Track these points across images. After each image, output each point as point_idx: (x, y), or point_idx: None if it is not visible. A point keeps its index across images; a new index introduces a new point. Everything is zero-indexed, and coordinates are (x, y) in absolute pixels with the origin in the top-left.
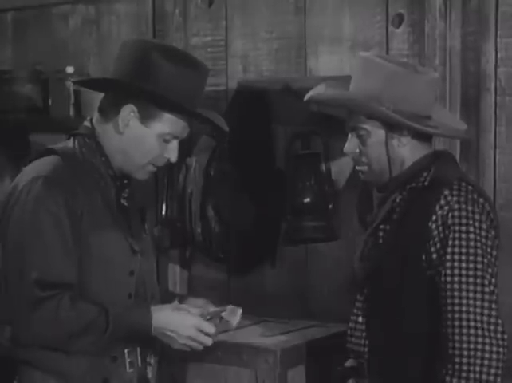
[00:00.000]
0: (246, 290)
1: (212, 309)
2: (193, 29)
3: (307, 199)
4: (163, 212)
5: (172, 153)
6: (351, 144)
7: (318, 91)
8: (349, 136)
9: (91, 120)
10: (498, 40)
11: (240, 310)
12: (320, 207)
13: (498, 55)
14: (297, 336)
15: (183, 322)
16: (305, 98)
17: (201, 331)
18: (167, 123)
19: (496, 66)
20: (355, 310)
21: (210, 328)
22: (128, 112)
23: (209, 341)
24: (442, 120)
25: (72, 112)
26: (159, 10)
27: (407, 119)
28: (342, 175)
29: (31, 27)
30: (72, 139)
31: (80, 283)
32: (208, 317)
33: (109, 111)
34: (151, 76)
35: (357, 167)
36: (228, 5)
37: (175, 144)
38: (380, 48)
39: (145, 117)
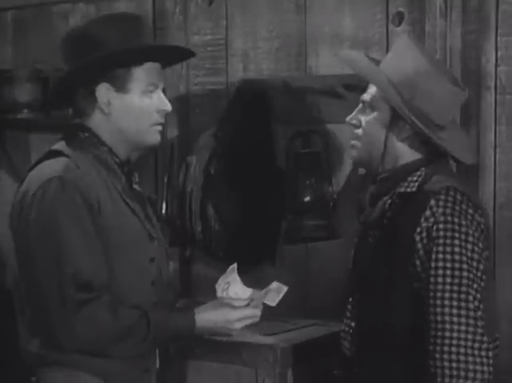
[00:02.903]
0: None
1: (256, 294)
2: (193, 28)
3: (307, 198)
4: (163, 210)
5: (163, 102)
6: (356, 115)
7: (352, 57)
8: (359, 106)
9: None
10: (499, 38)
11: (284, 289)
12: (321, 205)
13: (499, 53)
14: (297, 335)
15: (227, 319)
16: (337, 55)
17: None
18: (140, 76)
19: (496, 65)
20: (348, 314)
21: (256, 312)
22: (104, 90)
23: (258, 313)
24: (452, 138)
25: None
26: (159, 9)
27: (415, 116)
28: (342, 173)
29: (31, 26)
30: (69, 137)
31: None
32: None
33: (86, 104)
34: (95, 47)
35: (351, 142)
36: (228, 4)
37: (160, 94)
38: (380, 47)
39: (120, 86)
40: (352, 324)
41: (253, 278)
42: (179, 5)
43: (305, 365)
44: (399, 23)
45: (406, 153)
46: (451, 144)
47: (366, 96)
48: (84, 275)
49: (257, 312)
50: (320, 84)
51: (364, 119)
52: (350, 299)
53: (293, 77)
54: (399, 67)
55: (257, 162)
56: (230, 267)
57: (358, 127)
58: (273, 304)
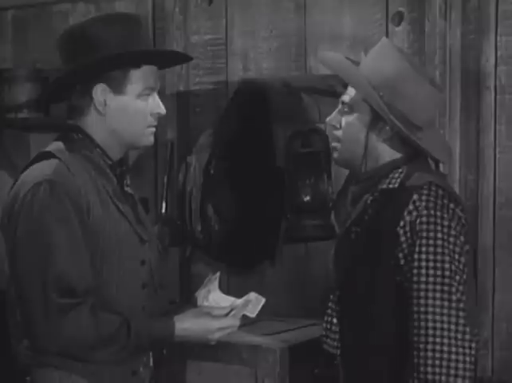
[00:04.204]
0: (246, 289)
1: (236, 303)
2: (193, 28)
3: (307, 198)
4: (163, 210)
5: (158, 106)
6: (336, 116)
7: (332, 57)
8: (338, 107)
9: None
10: (498, 38)
11: (263, 301)
12: (321, 205)
13: (498, 53)
14: (297, 334)
15: (207, 329)
16: (318, 58)
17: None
18: (138, 79)
19: (496, 65)
20: (329, 311)
21: (235, 322)
22: (100, 91)
23: (237, 323)
24: (429, 138)
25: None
26: (159, 8)
27: (394, 117)
28: (342, 173)
29: (31, 25)
30: (63, 138)
31: (93, 279)
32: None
33: (82, 103)
34: (94, 48)
35: (332, 144)
36: (228, 4)
37: (155, 97)
38: None
39: (116, 87)
40: (334, 320)
41: (253, 278)
42: (179, 5)
43: (304, 365)
44: (399, 23)
45: (386, 153)
46: (428, 143)
47: (346, 98)
48: (68, 280)
49: (237, 322)
50: (320, 84)
51: (344, 120)
52: (331, 297)
53: (293, 77)
54: (379, 68)
55: (257, 162)
56: (212, 276)
57: (338, 128)
58: (253, 315)
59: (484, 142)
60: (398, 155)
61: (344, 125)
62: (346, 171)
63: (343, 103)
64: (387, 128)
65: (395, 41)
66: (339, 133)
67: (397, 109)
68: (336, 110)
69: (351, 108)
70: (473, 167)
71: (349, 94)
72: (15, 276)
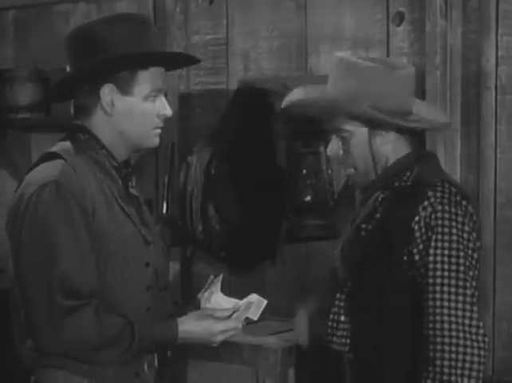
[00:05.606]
0: (247, 289)
1: (238, 305)
2: (194, 28)
3: (308, 198)
4: (164, 210)
5: (164, 107)
6: (334, 146)
7: (296, 96)
8: (332, 138)
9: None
10: (499, 38)
11: (264, 303)
12: (321, 205)
13: (499, 53)
14: None
15: (210, 331)
16: (282, 106)
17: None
18: (145, 80)
19: (497, 65)
20: (335, 309)
21: (238, 324)
22: (108, 91)
23: (239, 325)
24: (423, 115)
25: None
26: (159, 8)
27: (388, 115)
28: (343, 173)
29: (32, 25)
30: (69, 138)
31: (98, 280)
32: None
33: (89, 102)
34: (103, 48)
35: (345, 173)
36: (229, 4)
37: (162, 99)
38: (380, 46)
39: (124, 88)
40: (342, 318)
41: (254, 278)
42: (180, 5)
43: (305, 364)
44: (400, 23)
45: (393, 153)
46: (423, 119)
47: (335, 126)
48: (73, 281)
49: (240, 325)
50: (320, 84)
51: (344, 146)
52: (337, 295)
53: (293, 77)
54: (348, 82)
55: (258, 162)
56: (215, 278)
57: (343, 157)
58: (255, 318)
59: (485, 142)
60: (406, 151)
61: (348, 150)
62: None
63: (335, 130)
64: (384, 132)
65: (396, 42)
66: (349, 160)
67: (386, 109)
68: (332, 141)
69: (346, 131)
70: (473, 167)
71: (336, 120)
72: (20, 277)
